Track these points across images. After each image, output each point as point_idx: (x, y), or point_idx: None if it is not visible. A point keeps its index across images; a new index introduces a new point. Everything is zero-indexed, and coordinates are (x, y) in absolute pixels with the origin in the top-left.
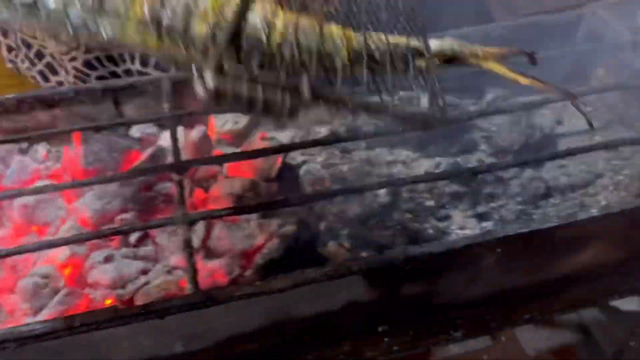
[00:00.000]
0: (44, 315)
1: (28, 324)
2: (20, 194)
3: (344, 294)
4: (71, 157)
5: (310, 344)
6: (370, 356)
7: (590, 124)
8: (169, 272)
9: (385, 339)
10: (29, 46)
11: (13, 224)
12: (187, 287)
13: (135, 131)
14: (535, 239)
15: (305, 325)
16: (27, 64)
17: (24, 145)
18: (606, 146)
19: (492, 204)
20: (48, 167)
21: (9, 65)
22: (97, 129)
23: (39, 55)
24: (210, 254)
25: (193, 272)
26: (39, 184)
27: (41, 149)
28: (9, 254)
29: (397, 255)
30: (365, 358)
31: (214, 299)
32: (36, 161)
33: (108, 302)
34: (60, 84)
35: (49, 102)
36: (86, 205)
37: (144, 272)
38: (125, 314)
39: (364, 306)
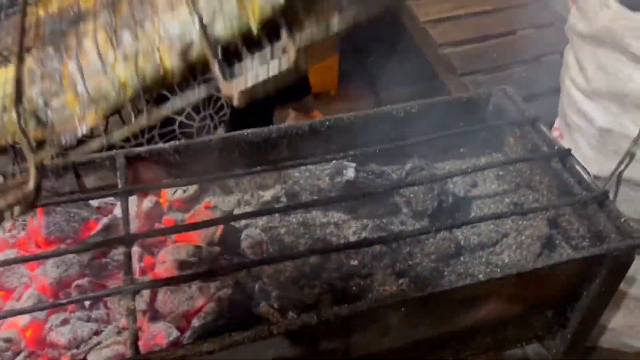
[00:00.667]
0: None
1: None
2: None
3: (269, 352)
4: (35, 227)
5: None
6: None
7: None
8: (119, 332)
9: None
10: None
11: None
12: (128, 351)
13: (95, 201)
14: (432, 299)
15: None
16: None
17: None
18: (498, 216)
19: (410, 262)
20: (14, 236)
21: None
22: (57, 204)
23: None
24: (155, 316)
25: (134, 337)
26: (6, 252)
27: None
28: None
29: (310, 319)
30: None
31: None
32: (3, 230)
33: None
34: None
35: None
36: (46, 273)
37: (97, 333)
38: None
39: None
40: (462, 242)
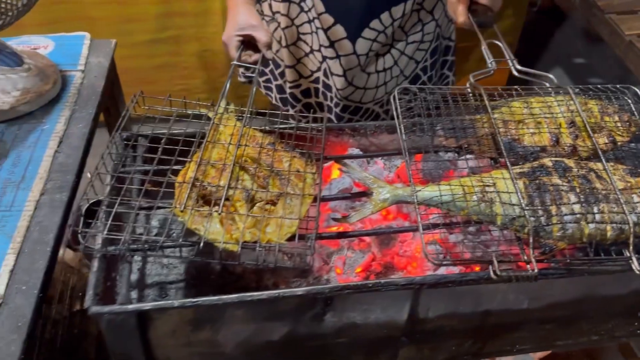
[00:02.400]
0: (440, 271)
1: (441, 275)
2: None
3: (635, 283)
4: (404, 169)
5: (596, 318)
6: (620, 334)
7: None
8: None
9: (635, 323)
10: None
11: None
12: (528, 268)
13: (443, 154)
14: None
15: (600, 302)
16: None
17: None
18: None
19: None
20: (388, 176)
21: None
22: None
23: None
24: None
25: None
26: None
27: (379, 161)
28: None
29: None
30: (616, 336)
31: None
32: (378, 169)
33: (477, 269)
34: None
35: (390, 130)
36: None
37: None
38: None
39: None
40: None
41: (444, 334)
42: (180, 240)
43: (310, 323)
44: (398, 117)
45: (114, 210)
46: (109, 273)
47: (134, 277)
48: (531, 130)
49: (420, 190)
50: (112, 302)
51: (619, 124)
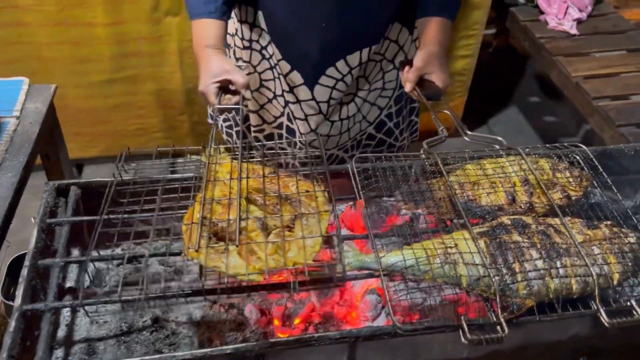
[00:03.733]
0: (378, 322)
1: (376, 327)
2: None
3: (573, 329)
4: (348, 214)
5: None
6: None
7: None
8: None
9: None
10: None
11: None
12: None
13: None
14: None
15: (541, 349)
16: None
17: None
18: None
19: None
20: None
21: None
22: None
23: None
24: None
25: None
26: None
27: None
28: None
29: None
30: None
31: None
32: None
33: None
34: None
35: (332, 176)
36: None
37: (423, 302)
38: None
39: (581, 339)
40: None
41: None
42: (142, 292)
43: None
44: (357, 185)
45: (35, 263)
46: (31, 331)
47: (61, 333)
48: (487, 191)
49: (384, 256)
50: None
51: (570, 180)
